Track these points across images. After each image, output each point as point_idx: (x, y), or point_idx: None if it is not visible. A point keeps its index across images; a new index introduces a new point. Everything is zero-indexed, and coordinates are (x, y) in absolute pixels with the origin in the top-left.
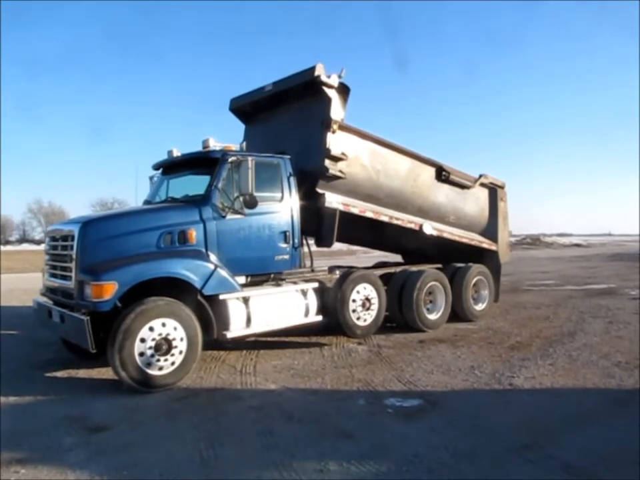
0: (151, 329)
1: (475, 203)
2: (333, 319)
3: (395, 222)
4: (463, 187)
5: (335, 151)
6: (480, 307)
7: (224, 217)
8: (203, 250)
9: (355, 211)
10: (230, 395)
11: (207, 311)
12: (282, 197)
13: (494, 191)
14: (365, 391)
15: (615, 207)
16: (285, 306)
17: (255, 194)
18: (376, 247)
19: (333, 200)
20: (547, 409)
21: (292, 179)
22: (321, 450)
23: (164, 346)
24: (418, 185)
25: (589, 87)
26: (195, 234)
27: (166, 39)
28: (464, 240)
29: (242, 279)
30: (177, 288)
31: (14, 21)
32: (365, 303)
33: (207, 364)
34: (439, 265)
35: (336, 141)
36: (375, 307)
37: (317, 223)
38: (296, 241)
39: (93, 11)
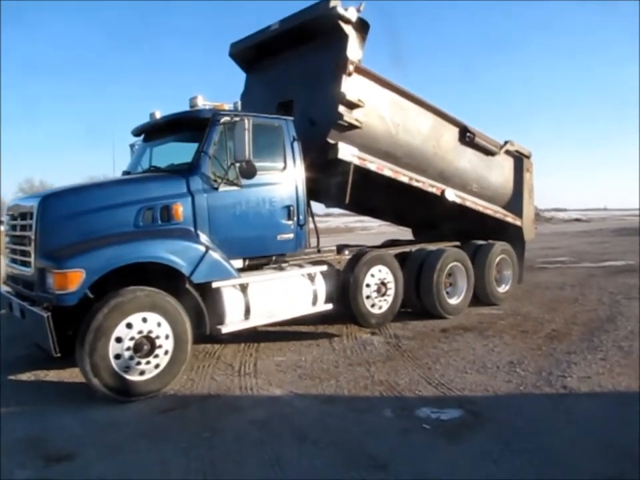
0: (129, 325)
1: (499, 172)
2: (344, 307)
3: (415, 184)
4: (487, 153)
5: (350, 96)
6: (503, 288)
7: (216, 188)
8: (192, 229)
9: (372, 167)
10: (227, 404)
11: (197, 302)
12: (284, 166)
13: (520, 161)
14: (391, 398)
15: (609, 181)
16: (290, 293)
17: (253, 162)
18: (385, 216)
19: (347, 152)
20: (621, 422)
21: (296, 144)
22: None
23: (145, 346)
24: (440, 146)
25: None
26: (181, 209)
27: None
28: (488, 212)
29: (238, 263)
30: (160, 275)
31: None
32: (380, 288)
33: (199, 362)
34: (457, 243)
35: (352, 85)
36: (391, 292)
37: (326, 180)
38: (301, 217)
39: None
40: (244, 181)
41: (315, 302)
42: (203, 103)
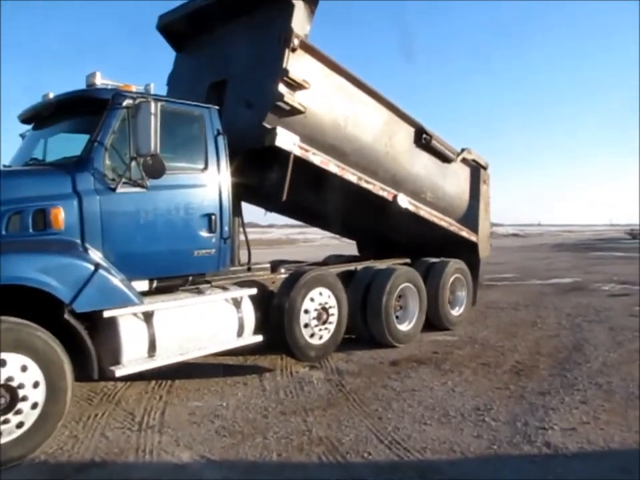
0: None
1: (455, 181)
2: (278, 338)
3: (365, 185)
4: (443, 159)
5: (293, 74)
6: (457, 311)
7: (113, 189)
8: (77, 240)
9: (315, 160)
10: (113, 477)
11: (81, 338)
12: (205, 165)
13: (477, 171)
14: (333, 465)
15: (542, 198)
16: (209, 323)
17: (167, 161)
18: (329, 225)
19: (288, 139)
20: None
21: (221, 139)
22: None
23: (3, 398)
24: (393, 145)
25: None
26: (62, 215)
27: None
28: (442, 223)
29: (143, 285)
30: (30, 302)
31: None
32: (320, 315)
33: (92, 408)
34: (407, 260)
35: (296, 63)
36: (334, 319)
37: (261, 174)
38: (225, 228)
39: None
40: (152, 182)
41: (240, 333)
42: (101, 81)
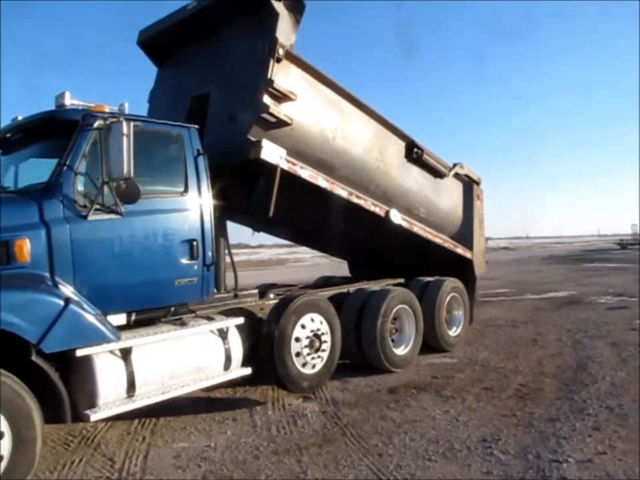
0: None
1: (448, 197)
2: (268, 368)
3: (355, 200)
4: (435, 174)
5: (279, 84)
6: (454, 332)
7: (84, 217)
8: (45, 274)
9: (304, 174)
10: None
11: (50, 381)
12: (185, 188)
13: (469, 186)
14: None
15: (527, 211)
16: (193, 358)
17: (144, 184)
18: (319, 245)
19: (274, 152)
20: None
21: (201, 160)
22: None
23: None
24: (384, 160)
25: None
26: (27, 247)
27: None
28: (437, 240)
29: (120, 319)
30: None
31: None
32: (313, 342)
33: (68, 454)
34: (401, 280)
35: (281, 73)
36: (327, 346)
37: (245, 190)
38: (208, 254)
39: None
40: (127, 207)
41: (227, 366)
42: (71, 101)
